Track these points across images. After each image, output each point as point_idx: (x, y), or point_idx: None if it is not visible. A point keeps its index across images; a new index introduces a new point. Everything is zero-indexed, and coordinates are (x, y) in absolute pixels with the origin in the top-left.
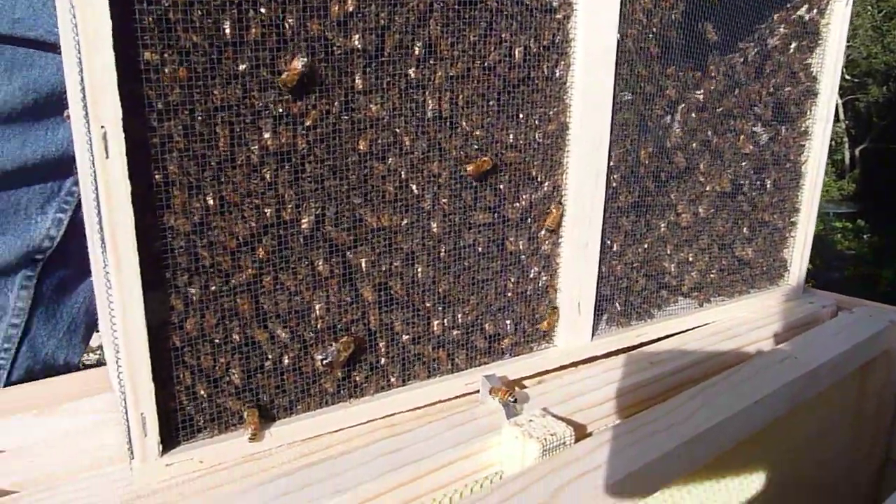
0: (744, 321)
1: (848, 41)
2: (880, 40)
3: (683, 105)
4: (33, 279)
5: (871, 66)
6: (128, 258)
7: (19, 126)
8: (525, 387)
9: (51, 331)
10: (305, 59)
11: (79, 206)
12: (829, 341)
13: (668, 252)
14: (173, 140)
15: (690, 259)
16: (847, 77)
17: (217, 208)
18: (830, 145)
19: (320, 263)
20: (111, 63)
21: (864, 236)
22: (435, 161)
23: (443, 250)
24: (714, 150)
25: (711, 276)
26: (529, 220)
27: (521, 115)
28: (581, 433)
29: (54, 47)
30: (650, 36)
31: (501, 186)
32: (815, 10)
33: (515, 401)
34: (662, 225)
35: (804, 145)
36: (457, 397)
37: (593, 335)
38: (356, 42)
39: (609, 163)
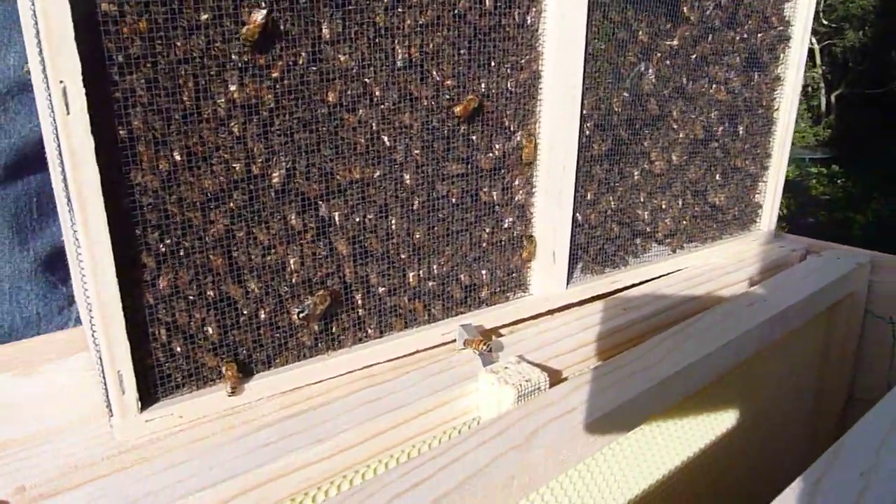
0: (716, 266)
1: None
2: None
3: (657, 52)
4: None
5: (847, 10)
6: (95, 216)
7: None
8: (501, 335)
9: None
10: (265, 11)
11: None
12: (796, 284)
13: (642, 199)
14: (136, 94)
15: (664, 206)
16: (824, 22)
17: (185, 163)
18: (807, 91)
19: (293, 217)
20: (67, 14)
21: (839, 181)
22: (406, 112)
23: (416, 202)
24: (687, 96)
25: (684, 222)
26: (503, 169)
27: (492, 64)
28: (556, 378)
29: None
30: None
31: (474, 137)
32: None
33: (490, 350)
34: (636, 173)
35: (776, 91)
36: (434, 347)
37: (568, 283)
38: None
39: (582, 111)
